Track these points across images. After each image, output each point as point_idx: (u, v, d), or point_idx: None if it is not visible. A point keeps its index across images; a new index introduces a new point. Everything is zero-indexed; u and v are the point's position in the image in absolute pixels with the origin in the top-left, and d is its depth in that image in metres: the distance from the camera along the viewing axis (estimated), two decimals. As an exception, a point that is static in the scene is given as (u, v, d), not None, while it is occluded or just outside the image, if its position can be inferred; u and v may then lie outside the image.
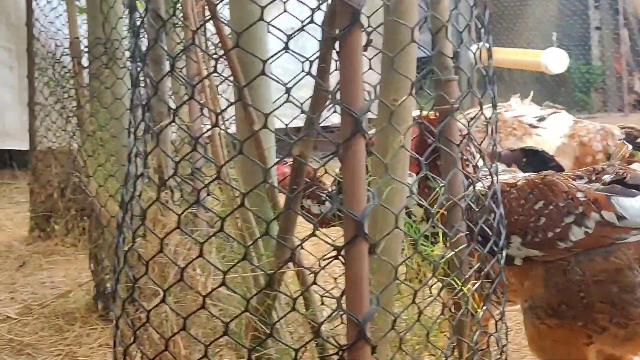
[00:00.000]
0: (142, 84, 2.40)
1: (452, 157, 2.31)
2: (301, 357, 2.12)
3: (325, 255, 1.95)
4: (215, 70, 1.95)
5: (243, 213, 2.39)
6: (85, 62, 5.05)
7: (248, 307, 2.06)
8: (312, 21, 1.90)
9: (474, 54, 2.35)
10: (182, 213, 2.09)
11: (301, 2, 1.95)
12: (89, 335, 4.28)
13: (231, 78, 2.36)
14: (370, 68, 2.27)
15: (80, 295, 4.88)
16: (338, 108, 1.85)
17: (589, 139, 3.98)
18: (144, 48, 2.32)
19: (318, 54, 2.00)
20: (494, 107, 2.38)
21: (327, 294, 2.26)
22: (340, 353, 1.87)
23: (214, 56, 2.05)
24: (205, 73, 2.60)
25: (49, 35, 6.40)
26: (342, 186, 1.84)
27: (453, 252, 2.27)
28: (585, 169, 2.81)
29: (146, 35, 2.48)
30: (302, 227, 2.25)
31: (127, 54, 4.33)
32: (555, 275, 2.63)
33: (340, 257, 1.84)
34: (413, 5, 2.13)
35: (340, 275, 1.95)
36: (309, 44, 2.04)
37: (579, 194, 2.62)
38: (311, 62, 1.93)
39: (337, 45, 1.84)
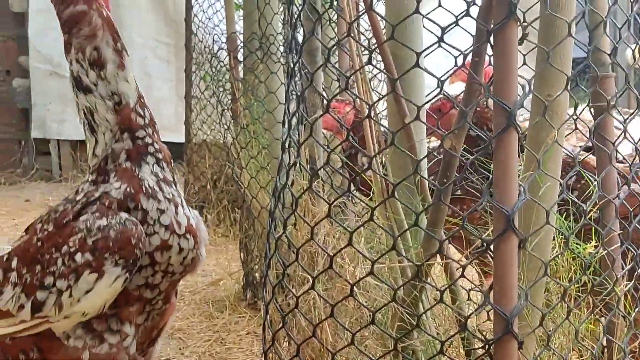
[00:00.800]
0: (297, 76, 2.45)
1: (607, 154, 2.26)
2: (446, 350, 2.12)
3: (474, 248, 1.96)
4: (369, 62, 1.98)
5: (392, 204, 2.41)
6: (240, 56, 5.15)
7: (395, 297, 2.08)
8: (467, 14, 1.90)
9: (633, 51, 2.30)
10: (333, 202, 2.12)
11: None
12: (238, 323, 4.37)
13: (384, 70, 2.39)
14: (524, 63, 2.25)
15: (230, 283, 5.00)
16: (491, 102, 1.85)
17: None
18: (299, 40, 2.37)
19: (472, 47, 2.00)
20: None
21: (474, 288, 2.26)
22: (487, 347, 1.87)
23: (368, 49, 2.07)
24: (358, 65, 2.64)
25: (207, 31, 6.52)
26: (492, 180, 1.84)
27: (605, 251, 2.23)
28: None
29: (302, 28, 2.53)
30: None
31: (282, 49, 4.41)
32: None
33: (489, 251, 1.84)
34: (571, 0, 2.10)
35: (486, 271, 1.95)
36: (463, 41, 2.04)
37: None
38: (465, 56, 1.93)
39: (491, 39, 1.84)
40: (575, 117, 2.16)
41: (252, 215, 4.38)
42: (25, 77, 8.84)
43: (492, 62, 1.85)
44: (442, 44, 1.88)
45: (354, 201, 3.07)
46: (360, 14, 2.78)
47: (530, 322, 2.07)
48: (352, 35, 2.68)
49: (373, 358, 2.07)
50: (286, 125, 2.36)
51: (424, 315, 2.25)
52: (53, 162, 8.77)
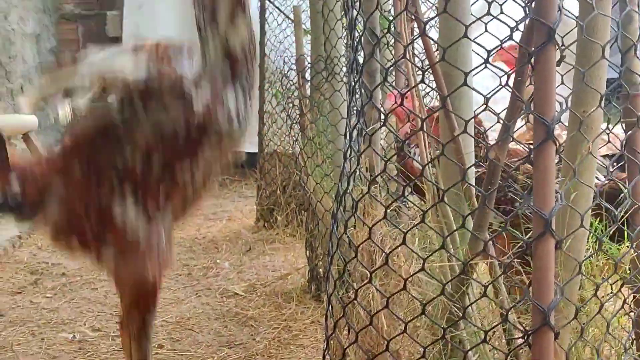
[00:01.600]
0: (358, 94, 2.47)
1: (637, 165, 2.24)
2: (489, 340, 2.12)
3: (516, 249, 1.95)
4: (422, 81, 1.99)
5: (442, 208, 2.42)
6: (308, 76, 5.18)
7: (444, 292, 2.08)
8: (510, 38, 1.90)
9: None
10: (389, 206, 2.14)
11: (501, 22, 1.96)
12: (303, 313, 4.39)
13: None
14: (562, 83, 2.24)
15: (296, 278, 5.03)
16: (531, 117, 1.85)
17: None
18: (360, 62, 2.39)
19: (515, 69, 2.00)
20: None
21: (515, 284, 2.25)
22: (526, 337, 1.87)
23: (422, 69, 2.08)
24: (413, 84, 2.65)
25: (278, 53, 6.57)
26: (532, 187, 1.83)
27: (636, 253, 2.21)
28: None
29: (363, 51, 2.55)
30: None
31: (344, 69, 4.43)
32: None
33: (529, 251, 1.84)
34: (605, 25, 2.09)
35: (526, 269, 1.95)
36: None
37: None
38: (508, 76, 1.93)
39: (532, 60, 1.84)
40: (608, 131, 2.14)
41: (317, 217, 4.41)
42: (118, 94, 8.97)
43: (533, 81, 1.85)
44: (487, 64, 1.88)
45: (407, 205, 3.08)
46: (414, 37, 2.80)
47: (565, 315, 2.06)
48: (408, 57, 2.70)
49: (423, 345, 2.07)
50: (347, 137, 2.38)
51: (469, 307, 2.25)
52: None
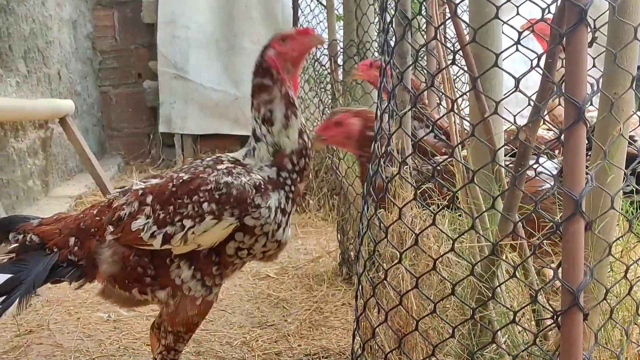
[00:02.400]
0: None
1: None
2: (519, 320, 2.11)
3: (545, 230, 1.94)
4: (453, 63, 1.98)
5: (472, 189, 2.41)
6: (340, 61, 5.18)
7: (473, 272, 2.08)
8: (542, 20, 1.89)
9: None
10: (419, 187, 2.13)
11: (533, 2, 1.94)
12: (334, 295, 4.41)
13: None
14: (594, 65, 2.22)
15: (328, 261, 5.05)
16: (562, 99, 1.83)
17: None
18: (391, 44, 2.38)
19: (547, 50, 1.98)
20: None
21: (545, 265, 2.24)
22: (555, 318, 1.86)
23: (453, 51, 2.07)
24: (443, 65, 2.63)
25: (311, 39, 6.54)
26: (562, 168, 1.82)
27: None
28: None
29: (394, 33, 2.54)
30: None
31: (376, 54, 4.42)
32: None
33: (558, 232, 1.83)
34: (637, 6, 2.06)
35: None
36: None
37: None
38: (539, 58, 1.92)
39: (564, 42, 1.82)
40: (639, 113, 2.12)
41: (348, 200, 4.42)
42: (154, 79, 9.06)
43: (564, 63, 1.83)
44: (519, 47, 1.87)
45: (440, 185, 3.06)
46: (446, 19, 2.78)
47: (595, 296, 2.05)
48: (438, 38, 2.68)
49: (452, 325, 2.07)
50: (378, 119, 2.37)
51: (498, 288, 2.25)
52: (177, 153, 8.95)
